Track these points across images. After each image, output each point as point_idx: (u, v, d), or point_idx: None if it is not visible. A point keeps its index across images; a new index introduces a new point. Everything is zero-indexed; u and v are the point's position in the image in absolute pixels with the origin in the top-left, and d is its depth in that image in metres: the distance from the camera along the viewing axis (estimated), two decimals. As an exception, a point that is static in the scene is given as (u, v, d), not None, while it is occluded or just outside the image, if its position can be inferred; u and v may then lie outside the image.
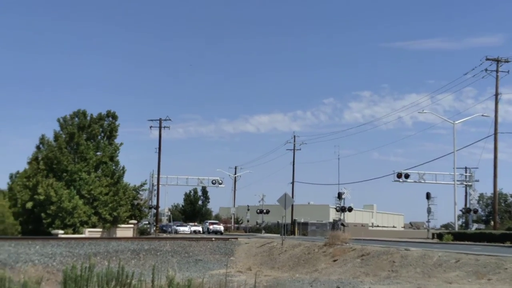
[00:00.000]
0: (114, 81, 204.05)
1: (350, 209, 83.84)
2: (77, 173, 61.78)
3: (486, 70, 61.54)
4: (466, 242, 51.17)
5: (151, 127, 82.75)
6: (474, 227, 74.94)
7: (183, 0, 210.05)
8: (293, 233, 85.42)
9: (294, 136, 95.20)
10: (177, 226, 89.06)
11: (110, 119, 68.12)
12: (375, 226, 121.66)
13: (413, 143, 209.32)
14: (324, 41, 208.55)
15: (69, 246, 44.52)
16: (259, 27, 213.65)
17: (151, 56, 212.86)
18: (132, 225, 66.43)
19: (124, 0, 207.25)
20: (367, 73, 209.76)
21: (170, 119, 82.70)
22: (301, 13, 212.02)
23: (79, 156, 63.57)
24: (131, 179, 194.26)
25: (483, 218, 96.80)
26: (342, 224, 78.46)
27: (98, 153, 65.66)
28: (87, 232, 59.00)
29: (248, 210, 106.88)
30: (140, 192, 70.42)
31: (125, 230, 64.07)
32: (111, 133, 67.62)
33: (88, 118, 66.47)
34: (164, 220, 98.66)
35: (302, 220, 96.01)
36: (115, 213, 62.04)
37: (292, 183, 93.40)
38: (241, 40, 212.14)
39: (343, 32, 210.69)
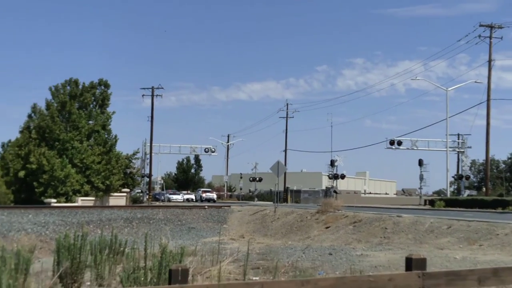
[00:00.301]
0: (107, 48, 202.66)
1: (342, 177, 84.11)
2: (69, 142, 61.71)
3: (479, 36, 61.37)
4: (458, 209, 51.49)
5: (143, 95, 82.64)
6: (466, 193, 75.34)
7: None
8: (285, 200, 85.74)
9: (287, 104, 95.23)
10: (170, 194, 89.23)
11: (102, 87, 67.92)
12: (367, 193, 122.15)
13: (406, 110, 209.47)
14: (318, 8, 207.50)
15: (62, 215, 44.57)
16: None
17: (144, 23, 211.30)
18: (125, 194, 66.57)
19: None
20: (361, 40, 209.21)
21: (162, 87, 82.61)
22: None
23: (71, 125, 63.45)
24: (123, 147, 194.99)
25: (475, 184, 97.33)
26: (335, 191, 78.75)
27: (90, 122, 65.56)
28: (80, 201, 59.11)
29: (241, 178, 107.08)
30: (133, 161, 70.56)
31: (118, 199, 64.20)
32: (103, 101, 67.45)
33: (80, 86, 66.23)
34: (157, 189, 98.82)
35: (295, 188, 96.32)
36: (107, 182, 62.15)
37: (285, 151, 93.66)
38: (233, 7, 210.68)
39: (337, 1, 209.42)
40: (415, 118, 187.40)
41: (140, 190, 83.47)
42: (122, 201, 64.10)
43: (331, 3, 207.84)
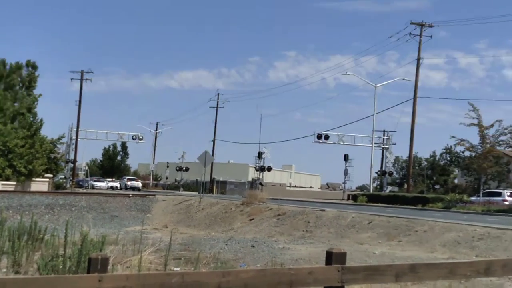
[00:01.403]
0: (37, 28, 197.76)
1: (269, 169, 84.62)
2: (-8, 124, 60.08)
3: (410, 34, 62.48)
4: (380, 204, 52.54)
5: (72, 79, 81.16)
6: (388, 189, 76.92)
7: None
8: (211, 191, 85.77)
9: (218, 94, 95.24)
10: (94, 181, 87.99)
11: (30, 69, 66.33)
12: (293, 186, 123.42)
13: (335, 105, 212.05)
14: (252, 0, 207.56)
15: (-19, 199, 43.43)
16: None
17: (77, 4, 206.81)
18: (47, 179, 65.22)
19: None
20: (294, 33, 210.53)
21: (92, 72, 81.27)
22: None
23: (-5, 106, 61.75)
24: (49, 132, 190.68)
25: (398, 181, 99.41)
26: (261, 184, 79.16)
27: (16, 104, 63.93)
28: (0, 185, 57.61)
29: (168, 167, 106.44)
30: (58, 146, 69.22)
31: (40, 184, 62.84)
32: (30, 83, 65.93)
33: (7, 67, 64.49)
34: (81, 175, 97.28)
35: (221, 179, 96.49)
36: (30, 166, 60.73)
37: (213, 141, 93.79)
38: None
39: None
40: (344, 113, 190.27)
41: (63, 176, 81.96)
42: (44, 187, 62.76)
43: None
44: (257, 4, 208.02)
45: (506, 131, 49.88)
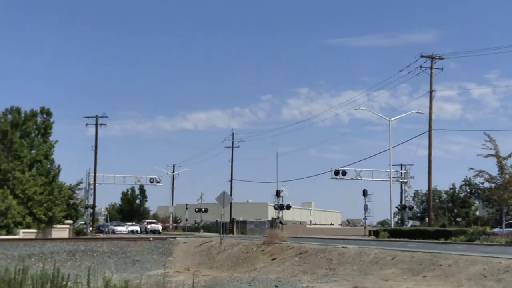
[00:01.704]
0: (50, 76, 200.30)
1: (288, 207, 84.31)
2: (10, 172, 60.46)
3: (420, 67, 62.32)
4: (402, 239, 52.00)
5: (87, 124, 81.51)
6: (409, 223, 76.27)
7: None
8: (231, 231, 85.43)
9: (233, 134, 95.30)
10: (114, 226, 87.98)
11: (44, 116, 66.93)
12: (313, 224, 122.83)
13: (350, 140, 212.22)
14: (262, 37, 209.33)
15: (3, 248, 43.49)
16: (196, 23, 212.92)
17: (89, 51, 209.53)
18: (67, 226, 65.33)
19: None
20: (305, 70, 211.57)
21: (106, 116, 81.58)
22: (241, 11, 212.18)
23: (13, 154, 62.21)
24: (67, 178, 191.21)
25: (418, 214, 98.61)
26: (281, 222, 78.80)
27: (33, 151, 64.42)
28: (22, 233, 57.74)
29: (187, 208, 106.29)
30: (76, 191, 69.41)
31: (61, 231, 62.93)
32: (45, 130, 66.46)
33: (22, 115, 65.16)
34: (101, 220, 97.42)
35: (241, 219, 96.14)
36: (50, 213, 60.91)
37: (231, 181, 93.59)
38: (178, 35, 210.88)
39: (281, 30, 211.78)
40: (359, 148, 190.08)
41: (83, 222, 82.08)
42: (65, 233, 62.85)
43: (275, 33, 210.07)
44: (266, 42, 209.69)
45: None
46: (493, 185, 52.53)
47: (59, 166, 66.39)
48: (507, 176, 49.02)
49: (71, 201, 66.35)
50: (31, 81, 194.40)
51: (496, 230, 51.58)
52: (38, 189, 60.82)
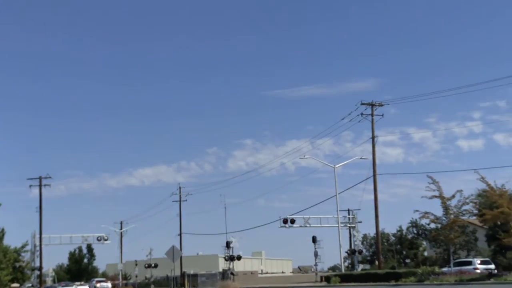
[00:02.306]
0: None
1: (239, 258, 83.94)
2: (-47, 238, 59.04)
3: (361, 114, 63.37)
4: (353, 283, 52.33)
5: (30, 185, 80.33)
6: (360, 267, 76.66)
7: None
8: (183, 285, 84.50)
9: (180, 187, 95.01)
10: (63, 286, 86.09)
11: (-13, 180, 65.90)
12: (264, 273, 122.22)
13: (297, 188, 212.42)
14: (205, 90, 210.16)
15: None
16: (140, 73, 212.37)
17: (23, 106, 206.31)
18: (14, 289, 63.82)
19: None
20: (249, 121, 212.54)
21: (50, 177, 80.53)
22: (186, 61, 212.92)
23: (-45, 220, 60.89)
24: (12, 240, 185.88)
25: (368, 258, 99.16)
26: (232, 273, 78.39)
27: (-25, 216, 63.15)
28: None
29: (136, 265, 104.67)
30: (22, 254, 68.06)
31: (8, 295, 61.42)
32: (-12, 195, 65.34)
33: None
34: (49, 281, 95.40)
35: (192, 272, 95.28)
36: (-5, 278, 59.50)
37: (180, 234, 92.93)
38: (121, 86, 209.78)
39: (223, 81, 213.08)
40: (306, 195, 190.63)
41: (31, 284, 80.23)
42: (12, 297, 61.36)
43: (218, 85, 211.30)
44: (208, 95, 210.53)
45: (467, 200, 50.49)
46: (439, 225, 53.46)
47: (3, 229, 65.22)
48: (452, 216, 49.98)
49: (17, 264, 65.07)
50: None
51: (444, 269, 52.27)
52: (-18, 254, 59.48)
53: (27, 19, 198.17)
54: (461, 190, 50.58)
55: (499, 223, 56.08)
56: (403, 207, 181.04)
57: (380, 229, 66.12)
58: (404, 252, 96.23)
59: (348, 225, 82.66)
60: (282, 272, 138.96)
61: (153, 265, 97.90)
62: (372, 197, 63.28)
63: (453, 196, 50.19)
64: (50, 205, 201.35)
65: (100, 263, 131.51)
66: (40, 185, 79.48)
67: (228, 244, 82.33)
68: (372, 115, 63.19)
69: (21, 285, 68.15)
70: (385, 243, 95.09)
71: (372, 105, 63.41)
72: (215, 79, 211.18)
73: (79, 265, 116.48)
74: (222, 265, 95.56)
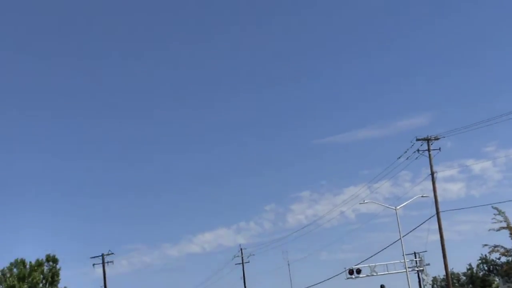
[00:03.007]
0: (49, 225, 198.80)
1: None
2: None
3: (418, 150, 61.80)
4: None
5: (94, 264, 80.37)
6: (433, 311, 74.35)
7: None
8: None
9: (241, 249, 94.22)
10: None
11: (51, 263, 66.12)
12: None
13: (359, 236, 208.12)
14: (256, 147, 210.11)
15: None
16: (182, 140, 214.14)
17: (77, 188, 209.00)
18: None
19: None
20: (303, 172, 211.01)
21: (112, 253, 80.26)
22: (220, 121, 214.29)
23: (23, 307, 61.05)
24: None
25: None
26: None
27: (42, 302, 63.27)
28: None
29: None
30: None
31: None
32: (53, 278, 65.46)
33: (28, 266, 64.34)
34: None
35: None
36: None
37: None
38: (165, 155, 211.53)
39: (272, 135, 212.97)
40: (369, 243, 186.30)
41: None
42: None
43: (268, 140, 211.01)
44: (257, 150, 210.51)
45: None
46: (510, 258, 51.63)
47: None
48: (523, 246, 48.35)
49: None
50: (35, 229, 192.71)
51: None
52: None
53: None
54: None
55: None
56: (470, 244, 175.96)
57: (449, 269, 64.23)
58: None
59: (416, 269, 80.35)
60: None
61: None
62: (437, 237, 61.48)
63: (523, 225, 48.66)
64: (114, 282, 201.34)
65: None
66: (103, 263, 79.13)
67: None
68: (428, 150, 61.48)
69: None
70: (456, 284, 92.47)
71: (428, 139, 61.75)
72: (264, 135, 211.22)
73: None
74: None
